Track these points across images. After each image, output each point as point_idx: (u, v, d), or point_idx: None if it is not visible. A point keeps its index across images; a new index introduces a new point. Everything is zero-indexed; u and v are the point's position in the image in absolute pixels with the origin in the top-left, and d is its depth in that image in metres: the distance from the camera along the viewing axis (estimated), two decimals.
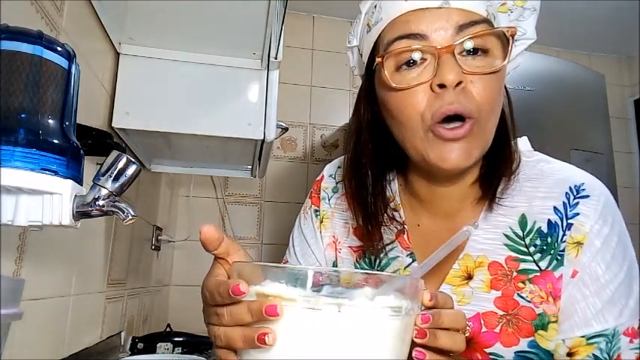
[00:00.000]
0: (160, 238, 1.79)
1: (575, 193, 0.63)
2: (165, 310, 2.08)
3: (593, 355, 0.58)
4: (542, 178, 0.65)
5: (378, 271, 0.70)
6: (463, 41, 0.58)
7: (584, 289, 0.59)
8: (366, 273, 0.40)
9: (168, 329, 1.43)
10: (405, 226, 0.71)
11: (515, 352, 0.60)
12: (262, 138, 1.19)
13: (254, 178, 1.65)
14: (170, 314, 2.11)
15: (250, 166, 1.59)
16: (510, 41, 0.60)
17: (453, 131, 0.58)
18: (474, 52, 0.59)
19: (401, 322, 0.39)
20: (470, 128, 0.58)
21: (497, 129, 0.62)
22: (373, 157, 0.70)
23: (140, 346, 1.30)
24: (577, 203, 0.62)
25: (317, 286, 0.38)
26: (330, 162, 0.85)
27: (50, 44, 0.49)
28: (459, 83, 0.57)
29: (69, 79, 0.51)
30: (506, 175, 0.65)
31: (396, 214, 0.71)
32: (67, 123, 0.51)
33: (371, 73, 0.67)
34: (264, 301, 0.38)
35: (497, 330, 0.61)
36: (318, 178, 0.83)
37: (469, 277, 0.64)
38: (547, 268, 0.61)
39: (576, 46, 2.70)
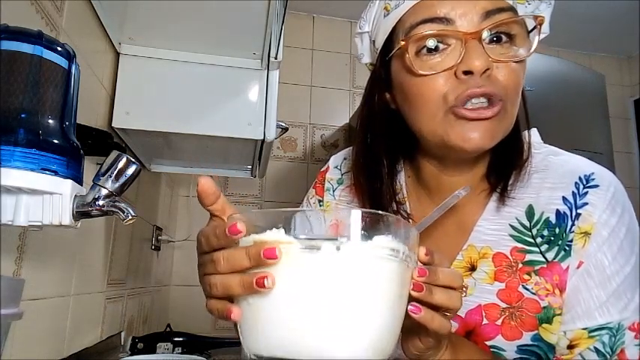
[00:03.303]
0: (160, 238, 1.79)
1: (584, 183, 0.61)
2: (166, 310, 2.08)
3: (595, 348, 0.57)
4: (550, 170, 0.64)
5: None
6: (490, 28, 0.56)
7: (589, 279, 0.58)
8: (366, 211, 0.38)
9: (168, 329, 1.43)
10: (411, 219, 0.70)
11: (517, 346, 0.59)
12: (262, 138, 1.19)
13: (254, 178, 1.65)
14: (170, 314, 2.11)
15: (250, 166, 1.59)
16: (538, 29, 0.59)
17: (477, 111, 0.57)
18: (499, 39, 0.58)
19: (398, 265, 0.39)
20: (498, 111, 0.57)
21: None
22: (387, 146, 0.68)
23: (140, 346, 1.29)
24: (586, 193, 0.61)
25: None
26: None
27: (50, 44, 0.49)
28: (486, 70, 0.56)
29: (69, 79, 0.51)
30: (517, 168, 0.63)
31: (401, 205, 0.70)
32: (67, 123, 0.51)
33: (386, 59, 0.64)
34: (262, 244, 0.37)
35: (498, 322, 0.60)
36: (322, 169, 0.82)
37: (472, 269, 0.63)
38: (554, 259, 0.60)
39: (576, 46, 2.70)
